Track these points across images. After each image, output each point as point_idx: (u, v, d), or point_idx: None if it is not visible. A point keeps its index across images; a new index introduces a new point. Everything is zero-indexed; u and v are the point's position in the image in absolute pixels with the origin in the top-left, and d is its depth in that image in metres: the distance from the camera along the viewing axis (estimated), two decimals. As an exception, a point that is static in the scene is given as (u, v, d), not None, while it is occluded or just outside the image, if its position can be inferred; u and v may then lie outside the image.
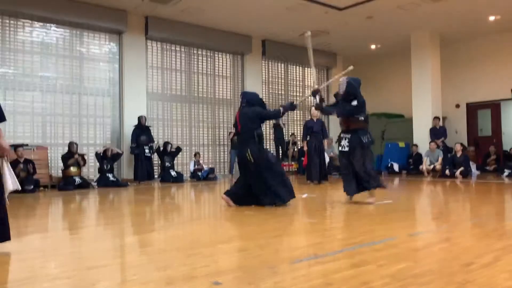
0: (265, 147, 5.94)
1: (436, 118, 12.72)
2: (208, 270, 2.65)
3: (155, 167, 11.30)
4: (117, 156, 10.31)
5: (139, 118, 10.69)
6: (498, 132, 13.86)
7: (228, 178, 12.03)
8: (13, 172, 3.27)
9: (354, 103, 5.80)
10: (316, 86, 6.02)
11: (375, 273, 2.54)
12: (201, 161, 11.83)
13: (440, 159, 11.72)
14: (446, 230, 3.98)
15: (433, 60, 13.04)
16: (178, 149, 11.33)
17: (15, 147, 8.76)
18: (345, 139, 5.86)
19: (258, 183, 5.61)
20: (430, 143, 12.20)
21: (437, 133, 12.57)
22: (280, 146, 13.38)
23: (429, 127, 12.81)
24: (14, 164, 8.69)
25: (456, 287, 2.28)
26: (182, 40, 12.05)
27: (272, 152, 6.08)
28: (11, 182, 3.19)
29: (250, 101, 5.87)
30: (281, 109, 5.84)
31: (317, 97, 5.91)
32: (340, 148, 5.99)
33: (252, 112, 5.73)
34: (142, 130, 10.69)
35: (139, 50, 11.36)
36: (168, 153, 11.12)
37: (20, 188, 3.41)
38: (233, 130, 12.18)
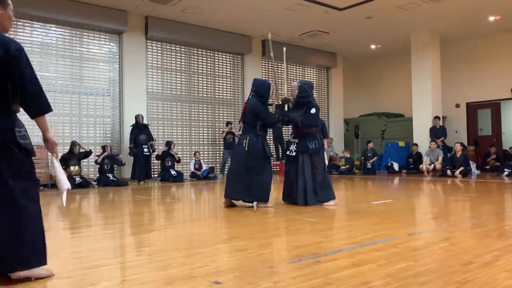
0: (267, 142, 5.78)
1: (436, 117, 12.73)
2: (208, 270, 2.65)
3: (155, 166, 11.31)
4: (116, 161, 10.29)
5: (136, 117, 10.63)
6: (498, 132, 13.88)
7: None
8: (62, 170, 2.88)
9: (313, 111, 5.67)
10: (287, 96, 5.85)
11: (375, 272, 2.55)
12: (201, 160, 11.83)
13: (440, 158, 11.73)
14: (446, 229, 3.98)
15: (433, 60, 13.05)
16: (178, 160, 11.29)
17: None
18: (294, 143, 5.83)
19: (243, 174, 5.54)
20: (430, 142, 12.21)
21: (437, 132, 12.57)
22: (280, 146, 13.38)
23: (429, 127, 12.82)
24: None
25: (456, 286, 2.28)
26: (182, 40, 12.05)
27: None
28: (66, 181, 2.78)
29: (257, 91, 5.72)
30: (277, 116, 5.70)
31: (286, 107, 5.78)
32: (287, 153, 5.93)
33: (255, 106, 5.62)
34: (140, 129, 10.64)
35: (139, 50, 11.36)
36: (169, 153, 11.11)
37: (70, 187, 2.91)
38: (226, 129, 12.23)
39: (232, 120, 13.22)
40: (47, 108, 2.64)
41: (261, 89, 5.72)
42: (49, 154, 2.87)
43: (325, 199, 5.69)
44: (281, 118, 5.67)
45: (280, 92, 5.95)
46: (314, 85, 15.33)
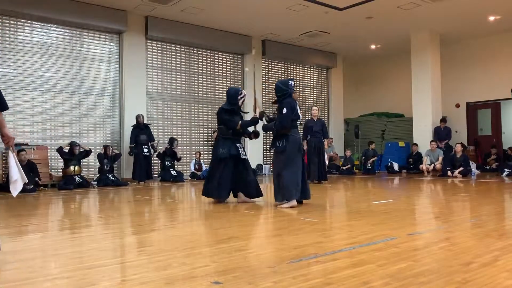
0: (226, 142, 6.08)
1: (442, 119, 12.70)
2: (208, 270, 2.65)
3: (155, 166, 11.31)
4: (117, 157, 10.33)
5: (137, 117, 10.66)
6: (498, 132, 13.88)
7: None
8: (19, 165, 3.08)
9: (284, 111, 5.68)
10: (262, 109, 6.20)
11: (375, 272, 2.54)
12: (201, 161, 11.83)
13: (440, 158, 11.72)
14: (446, 230, 3.98)
15: (433, 60, 13.05)
16: (179, 158, 11.30)
17: (18, 151, 8.74)
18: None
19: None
20: (431, 142, 12.19)
21: (441, 133, 12.54)
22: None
23: (429, 127, 12.81)
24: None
25: (456, 286, 2.28)
26: (182, 40, 12.05)
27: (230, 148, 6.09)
28: (20, 176, 3.01)
29: (227, 97, 6.29)
30: (240, 122, 6.06)
31: (264, 119, 6.02)
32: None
33: (218, 111, 6.28)
34: (140, 129, 10.67)
35: (139, 50, 11.36)
36: (169, 154, 11.11)
37: (26, 180, 3.15)
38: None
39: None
40: (4, 106, 2.83)
41: (228, 96, 6.25)
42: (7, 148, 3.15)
43: (280, 199, 5.64)
44: (240, 125, 6.08)
45: (258, 105, 6.29)
46: (314, 85, 15.47)
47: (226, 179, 5.96)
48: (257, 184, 6.16)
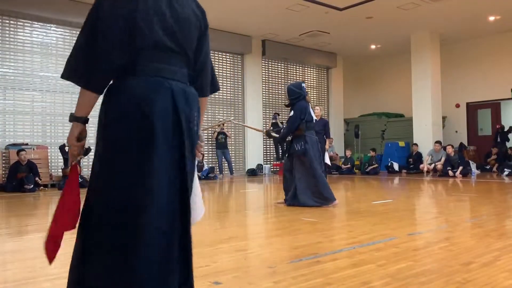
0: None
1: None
2: (208, 270, 2.65)
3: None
4: None
5: None
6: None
7: (228, 177, 12.04)
8: None
9: (291, 113, 5.84)
10: (265, 130, 6.60)
11: (375, 273, 2.55)
12: (204, 161, 11.83)
13: (443, 159, 11.71)
14: (446, 230, 3.98)
15: (433, 60, 13.03)
16: None
17: (17, 151, 8.74)
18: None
19: None
20: (435, 143, 12.12)
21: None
22: (280, 145, 13.36)
23: (429, 127, 12.79)
24: (15, 168, 8.68)
25: (456, 286, 2.28)
26: (182, 40, 12.03)
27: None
28: None
29: None
30: None
31: (273, 134, 6.29)
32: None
33: None
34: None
35: (139, 50, 11.34)
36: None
37: None
38: (217, 129, 12.23)
39: (233, 119, 13.21)
40: None
41: None
42: None
43: (319, 203, 5.60)
44: None
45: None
46: (314, 85, 15.47)
47: None
48: None
